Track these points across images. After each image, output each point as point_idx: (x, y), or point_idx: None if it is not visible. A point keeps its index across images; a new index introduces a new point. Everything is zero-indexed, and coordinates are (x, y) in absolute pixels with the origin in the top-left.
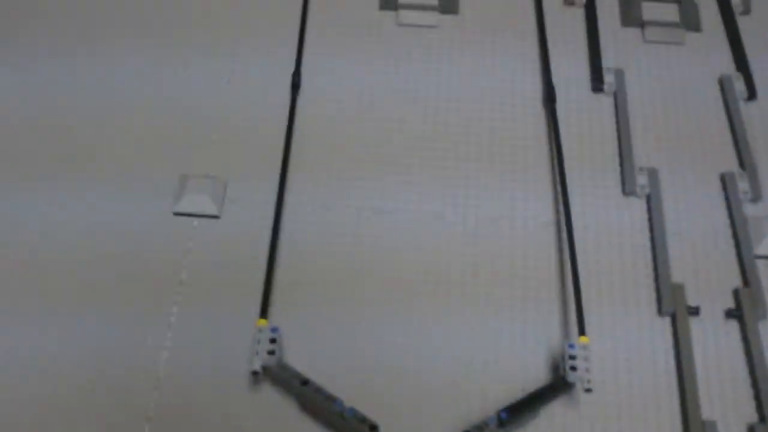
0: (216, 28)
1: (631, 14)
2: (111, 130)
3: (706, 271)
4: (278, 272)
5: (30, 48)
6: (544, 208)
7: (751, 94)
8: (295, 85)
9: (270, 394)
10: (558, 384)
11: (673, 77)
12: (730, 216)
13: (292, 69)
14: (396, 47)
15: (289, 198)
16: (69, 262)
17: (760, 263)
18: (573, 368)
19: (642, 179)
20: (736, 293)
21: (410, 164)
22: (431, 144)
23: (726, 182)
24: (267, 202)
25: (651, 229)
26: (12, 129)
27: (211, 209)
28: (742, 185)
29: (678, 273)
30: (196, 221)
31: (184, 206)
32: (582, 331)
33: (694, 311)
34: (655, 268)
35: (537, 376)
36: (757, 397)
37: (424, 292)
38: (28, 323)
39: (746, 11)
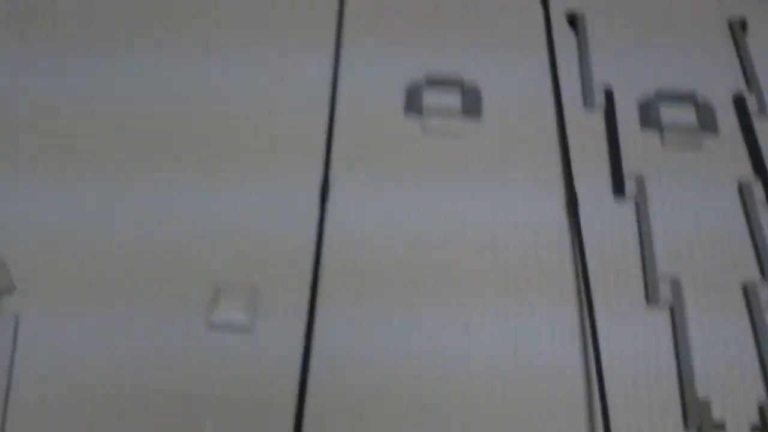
0: (245, 137)
1: (649, 117)
2: (141, 244)
3: (731, 385)
4: (311, 389)
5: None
6: (568, 320)
7: None
8: (324, 195)
9: None
10: None
11: (693, 182)
12: (753, 327)
13: (319, 179)
14: (420, 155)
15: (320, 312)
16: (103, 385)
17: None
18: None
19: (665, 290)
20: (761, 409)
21: (435, 280)
22: (457, 257)
23: (748, 293)
24: (299, 315)
25: (675, 342)
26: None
27: (244, 322)
28: (765, 295)
29: (702, 386)
30: (229, 334)
31: (218, 319)
32: None
33: (720, 427)
34: (680, 382)
35: None
36: None
37: (455, 412)
38: None
39: (762, 113)
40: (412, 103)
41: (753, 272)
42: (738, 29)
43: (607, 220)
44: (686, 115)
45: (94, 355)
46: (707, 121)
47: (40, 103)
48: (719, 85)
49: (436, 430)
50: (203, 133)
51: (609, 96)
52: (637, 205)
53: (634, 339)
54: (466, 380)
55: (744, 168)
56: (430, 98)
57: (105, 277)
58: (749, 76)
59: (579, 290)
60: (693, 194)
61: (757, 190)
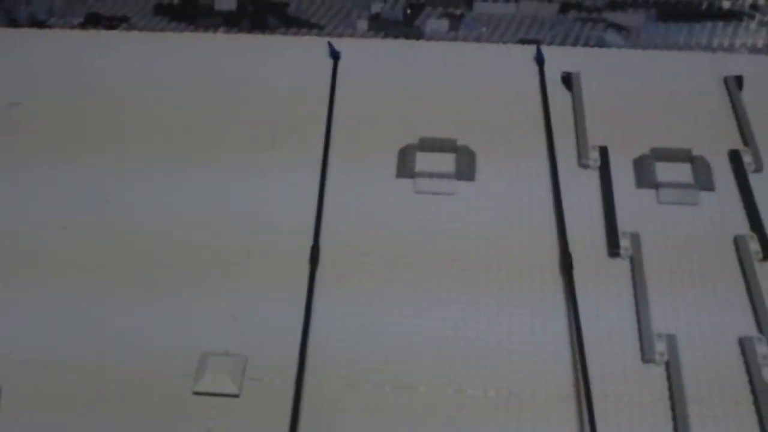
0: (236, 198)
1: (645, 176)
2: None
3: None
4: None
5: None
6: (564, 380)
7: (766, 254)
8: (314, 259)
9: None
10: None
11: (688, 238)
12: (751, 382)
13: (310, 242)
14: (413, 215)
15: (309, 379)
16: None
17: None
18: None
19: (661, 346)
20: None
21: (429, 335)
22: (451, 314)
23: (744, 347)
24: (288, 381)
25: (671, 398)
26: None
27: (231, 389)
28: (761, 349)
29: None
30: (216, 400)
31: (204, 386)
32: None
33: None
34: None
35: None
36: None
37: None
38: None
39: (758, 169)
40: (405, 165)
41: (750, 326)
42: (733, 85)
43: (601, 278)
44: (682, 172)
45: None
46: (703, 177)
47: None
48: (715, 141)
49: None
50: (187, 217)
51: (604, 154)
52: (632, 263)
53: (630, 395)
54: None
55: (740, 224)
56: (424, 161)
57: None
58: (745, 132)
59: (574, 348)
60: (689, 250)
61: (753, 244)
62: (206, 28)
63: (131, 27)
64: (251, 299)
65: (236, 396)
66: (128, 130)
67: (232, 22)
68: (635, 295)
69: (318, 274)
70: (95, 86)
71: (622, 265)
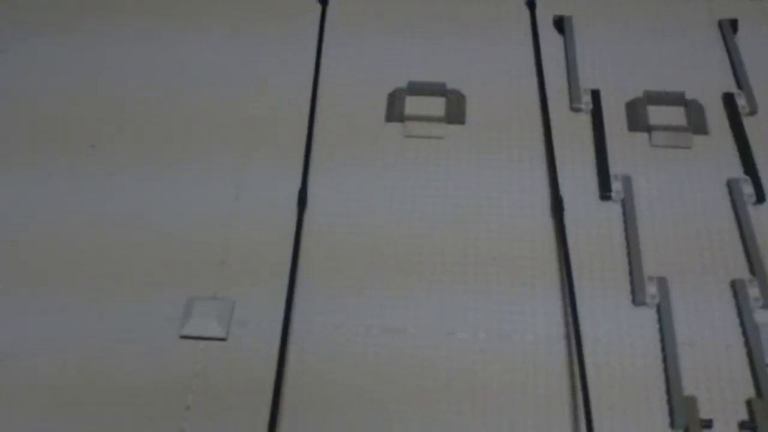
0: (222, 145)
1: (637, 119)
2: (115, 251)
3: (719, 382)
4: (286, 394)
5: (33, 166)
6: (554, 321)
7: (760, 198)
8: (302, 202)
9: None
10: None
11: (681, 182)
12: (742, 324)
13: (298, 185)
14: (403, 159)
15: (297, 317)
16: (74, 387)
17: None
18: None
19: (652, 289)
20: (749, 404)
21: (419, 279)
22: (440, 258)
23: (737, 289)
24: (274, 323)
25: (662, 340)
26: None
27: (218, 332)
28: (753, 292)
29: (690, 384)
30: (203, 344)
31: (191, 330)
32: None
33: (707, 424)
34: (667, 381)
35: None
36: None
37: (437, 410)
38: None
39: (753, 111)
40: (394, 110)
41: (742, 269)
42: (728, 29)
43: (593, 221)
44: (675, 115)
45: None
46: (696, 120)
47: None
48: (709, 84)
49: (422, 410)
50: (180, 128)
51: (596, 97)
52: (624, 206)
53: (620, 338)
54: (451, 371)
55: (734, 168)
56: (413, 105)
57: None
58: (739, 76)
59: (564, 291)
60: (681, 194)
61: (747, 188)
62: None
63: None
64: (239, 244)
65: (223, 339)
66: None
67: None
68: (626, 239)
69: (305, 221)
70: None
71: (613, 208)
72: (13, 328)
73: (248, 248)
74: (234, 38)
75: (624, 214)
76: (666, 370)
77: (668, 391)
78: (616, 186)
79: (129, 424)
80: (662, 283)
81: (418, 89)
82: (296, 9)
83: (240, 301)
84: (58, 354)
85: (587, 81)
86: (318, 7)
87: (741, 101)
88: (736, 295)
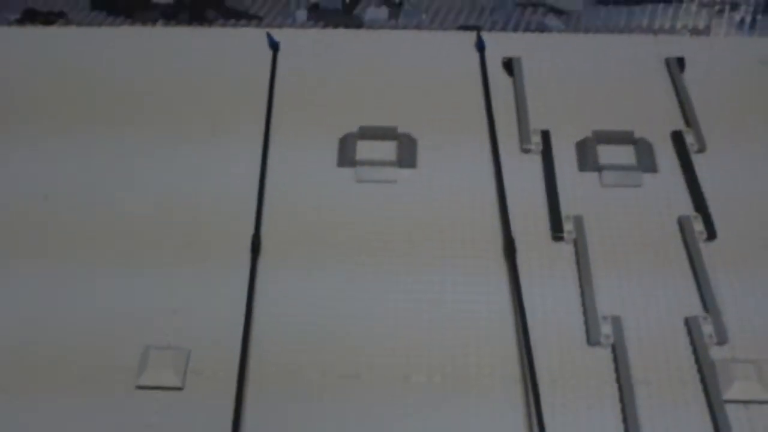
0: (174, 193)
1: (587, 159)
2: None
3: (676, 419)
4: None
5: None
6: (510, 365)
7: (711, 235)
8: (255, 249)
9: None
10: None
11: (633, 220)
12: (697, 361)
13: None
14: (355, 203)
15: (252, 370)
16: None
17: (729, 408)
18: None
19: (606, 329)
20: None
21: (371, 323)
22: (392, 300)
23: (690, 327)
24: (231, 372)
25: (618, 380)
26: None
27: (174, 382)
28: (707, 329)
29: (647, 423)
30: (159, 393)
31: (147, 380)
32: None
33: None
34: (624, 420)
35: None
36: None
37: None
38: None
39: (701, 149)
40: (346, 154)
41: (695, 306)
42: (675, 67)
43: (546, 262)
44: (624, 154)
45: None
46: (646, 159)
47: None
48: (658, 123)
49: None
50: (132, 183)
51: (546, 138)
52: (576, 246)
53: (577, 378)
54: None
55: (684, 205)
56: (364, 149)
57: None
58: (687, 113)
59: (518, 334)
60: (632, 232)
61: (697, 225)
62: (144, 22)
63: (69, 22)
64: (192, 292)
65: (179, 389)
66: (66, 123)
67: (170, 15)
68: (580, 278)
69: (260, 264)
70: (34, 82)
71: (566, 249)
72: None
73: (201, 296)
74: (182, 87)
75: (576, 253)
76: (623, 409)
77: (626, 430)
78: (567, 226)
79: None
80: (616, 321)
81: (369, 134)
82: (248, 55)
83: (195, 350)
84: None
85: (537, 122)
86: (269, 53)
87: (690, 139)
88: (690, 332)
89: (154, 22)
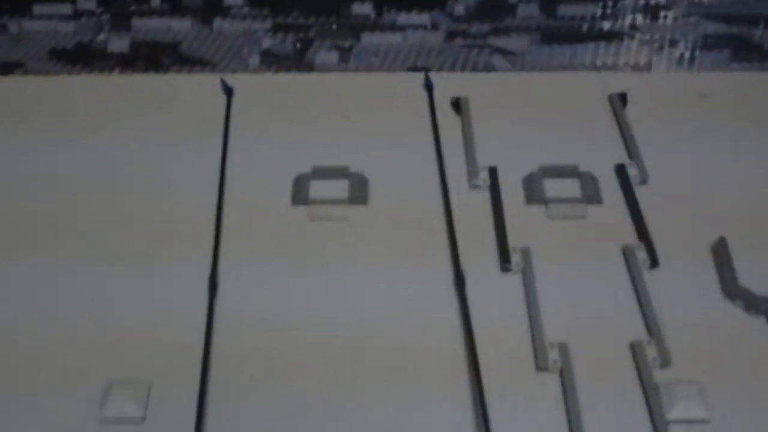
0: (133, 233)
1: (533, 193)
2: (32, 340)
3: None
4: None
5: None
6: (459, 390)
7: (654, 263)
8: (213, 287)
9: None
10: None
11: (578, 250)
12: (642, 384)
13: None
14: (309, 242)
15: (212, 399)
16: None
17: (673, 428)
18: None
19: (554, 354)
20: None
21: (327, 362)
22: (348, 341)
23: (635, 351)
24: (191, 403)
25: (566, 402)
26: None
27: (136, 413)
28: (651, 352)
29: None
30: (122, 426)
31: (110, 411)
32: None
33: None
34: None
35: None
36: None
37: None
38: None
39: (644, 181)
40: (300, 193)
41: (640, 331)
42: (617, 103)
43: (494, 293)
44: (570, 187)
45: None
46: (591, 191)
47: None
48: (602, 157)
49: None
50: (91, 226)
51: (493, 174)
52: (524, 276)
53: (525, 404)
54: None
55: (628, 234)
56: (317, 188)
57: None
58: (630, 147)
59: (469, 363)
60: (578, 262)
61: (641, 253)
62: (101, 70)
63: (27, 72)
64: (154, 329)
65: (142, 420)
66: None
67: (126, 63)
68: (528, 307)
69: (217, 304)
70: None
71: (514, 279)
72: None
73: (162, 332)
74: (140, 132)
75: (524, 284)
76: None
77: None
78: (515, 258)
79: None
80: (563, 348)
81: (322, 173)
82: (203, 100)
83: (156, 382)
84: None
85: (485, 158)
86: (223, 98)
87: (633, 171)
88: (635, 357)
89: (110, 70)
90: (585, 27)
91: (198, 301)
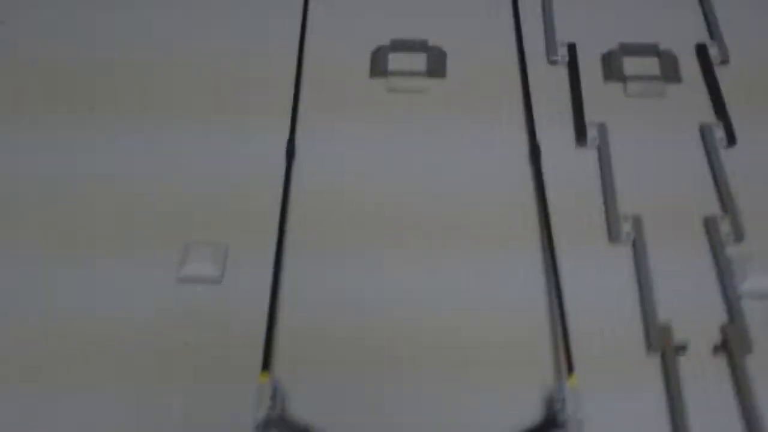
0: (214, 99)
1: (612, 70)
2: (112, 202)
3: (693, 311)
4: (280, 330)
5: (25, 121)
6: (532, 262)
7: (731, 141)
8: (290, 154)
9: None
10: (550, 422)
11: (655, 128)
12: (715, 257)
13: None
14: (386, 113)
15: (288, 262)
16: (74, 337)
17: (744, 301)
18: (563, 408)
19: (627, 226)
20: (722, 330)
21: (402, 228)
22: (423, 208)
23: (709, 225)
24: (267, 266)
25: (638, 273)
26: (8, 206)
27: (213, 274)
28: (725, 227)
29: (665, 313)
30: (199, 287)
31: (187, 273)
32: (570, 369)
33: (682, 349)
34: (643, 310)
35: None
36: (748, 429)
37: (426, 356)
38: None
39: (725, 61)
40: (378, 66)
41: (714, 207)
42: None
43: (570, 167)
44: (649, 65)
45: (62, 305)
46: (670, 70)
47: None
48: (682, 35)
49: (404, 370)
50: (172, 90)
51: (572, 50)
52: (600, 152)
53: (597, 273)
54: (435, 319)
55: (706, 113)
56: (396, 61)
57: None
58: (711, 26)
59: (543, 233)
60: (655, 139)
61: (719, 132)
62: None
63: None
64: (233, 193)
65: (218, 281)
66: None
67: None
68: (602, 179)
69: (294, 170)
70: None
71: (589, 154)
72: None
73: (241, 197)
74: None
75: (600, 159)
76: (642, 300)
77: (644, 320)
78: (591, 133)
79: (131, 366)
80: (637, 220)
81: (400, 46)
82: None
83: (234, 245)
84: (62, 301)
85: (564, 35)
86: None
87: (713, 51)
88: (708, 230)
89: None
90: None
91: (276, 167)
